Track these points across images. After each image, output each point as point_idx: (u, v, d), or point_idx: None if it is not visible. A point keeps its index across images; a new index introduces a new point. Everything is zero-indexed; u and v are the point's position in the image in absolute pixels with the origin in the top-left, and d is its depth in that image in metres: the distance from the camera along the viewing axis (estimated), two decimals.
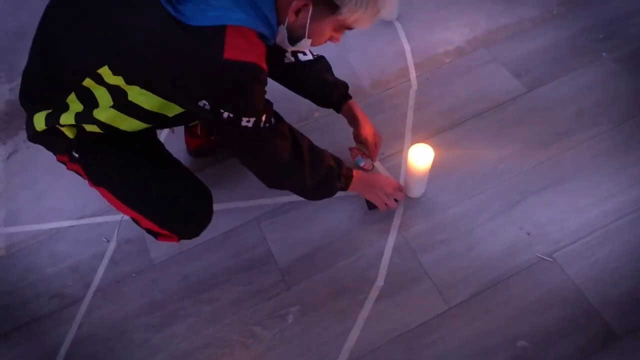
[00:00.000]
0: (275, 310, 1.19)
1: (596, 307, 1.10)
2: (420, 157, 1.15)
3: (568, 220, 1.22)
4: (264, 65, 0.85)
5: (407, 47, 1.63)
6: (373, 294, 1.18)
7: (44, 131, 0.99)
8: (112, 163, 1.06)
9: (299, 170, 1.06)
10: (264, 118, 0.92)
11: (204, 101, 0.84)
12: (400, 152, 1.39)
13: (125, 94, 0.90)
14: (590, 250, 1.17)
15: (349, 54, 1.64)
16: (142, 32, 0.78)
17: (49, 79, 0.93)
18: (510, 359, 1.06)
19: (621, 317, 1.08)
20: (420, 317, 1.14)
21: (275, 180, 1.10)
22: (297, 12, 0.84)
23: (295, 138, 1.05)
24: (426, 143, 1.17)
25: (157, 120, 0.99)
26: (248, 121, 0.89)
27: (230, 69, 0.78)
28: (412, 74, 1.56)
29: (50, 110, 0.97)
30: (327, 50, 1.62)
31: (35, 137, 1.03)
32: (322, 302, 1.19)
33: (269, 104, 0.96)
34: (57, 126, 0.97)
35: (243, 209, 1.35)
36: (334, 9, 0.84)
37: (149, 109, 0.94)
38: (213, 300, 1.22)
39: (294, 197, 1.34)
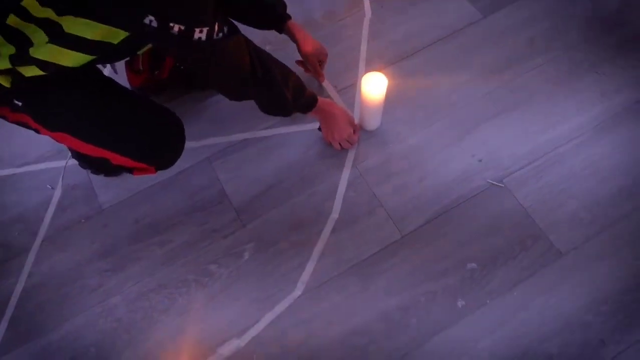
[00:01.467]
0: (230, 248, 1.18)
1: (542, 228, 1.14)
2: (373, 85, 1.12)
3: (518, 146, 1.23)
4: None
5: None
6: (328, 227, 1.18)
7: None
8: (68, 103, 0.96)
9: (259, 85, 0.99)
10: (216, 27, 0.83)
11: (149, 17, 0.75)
12: (355, 85, 1.36)
13: (59, 26, 0.81)
14: (539, 174, 1.20)
15: None
16: None
17: None
18: (460, 281, 1.10)
19: (565, 235, 1.13)
20: (374, 246, 1.15)
21: (244, 93, 1.03)
22: None
23: (254, 48, 0.99)
24: (379, 73, 1.13)
25: (103, 50, 0.89)
26: (201, 32, 0.79)
27: None
28: (366, 3, 1.49)
29: None
30: None
31: None
32: (278, 237, 1.18)
33: (220, 11, 0.86)
34: None
35: (194, 149, 1.30)
36: None
37: (92, 38, 0.85)
38: (166, 242, 1.20)
39: (246, 135, 1.31)
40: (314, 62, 1.28)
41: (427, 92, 1.32)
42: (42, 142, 1.34)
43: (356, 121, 1.29)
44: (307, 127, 1.31)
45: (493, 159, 1.22)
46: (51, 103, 0.95)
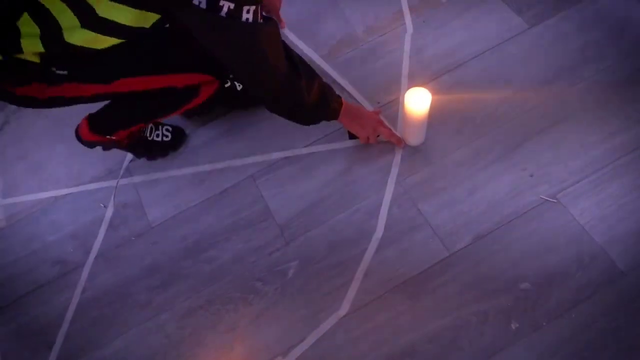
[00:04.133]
0: (275, 266, 1.18)
1: (601, 245, 1.07)
2: (417, 101, 1.10)
3: (572, 159, 1.18)
4: None
5: None
6: (373, 245, 1.16)
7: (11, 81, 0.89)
8: (117, 53, 0.92)
9: (296, 81, 0.99)
10: (260, 8, 0.84)
11: None
12: (397, 100, 1.34)
13: (92, 9, 0.82)
14: (597, 188, 1.14)
15: (340, 2, 1.56)
16: None
17: None
18: (513, 301, 1.05)
19: (627, 253, 1.06)
20: (421, 265, 1.12)
21: (275, 91, 1.00)
22: None
23: (285, 44, 0.99)
24: (423, 88, 1.11)
25: (138, 35, 0.91)
26: (248, 12, 0.81)
27: None
28: (407, 18, 1.48)
29: None
30: (318, 3, 1.57)
31: (19, 101, 0.96)
32: (322, 255, 1.18)
33: None
34: (17, 56, 0.86)
35: (238, 167, 1.33)
36: None
37: (125, 23, 0.86)
38: (213, 259, 1.22)
39: (288, 153, 1.32)
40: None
41: (472, 106, 1.29)
42: (95, 163, 1.40)
43: (398, 134, 1.28)
44: (348, 144, 1.30)
45: (545, 173, 1.17)
46: (106, 59, 0.93)
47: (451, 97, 1.31)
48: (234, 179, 1.31)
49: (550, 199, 1.14)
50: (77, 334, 1.19)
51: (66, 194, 1.39)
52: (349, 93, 1.37)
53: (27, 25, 0.84)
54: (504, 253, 1.10)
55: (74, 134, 1.23)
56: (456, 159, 1.23)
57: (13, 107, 1.59)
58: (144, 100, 1.10)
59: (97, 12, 0.83)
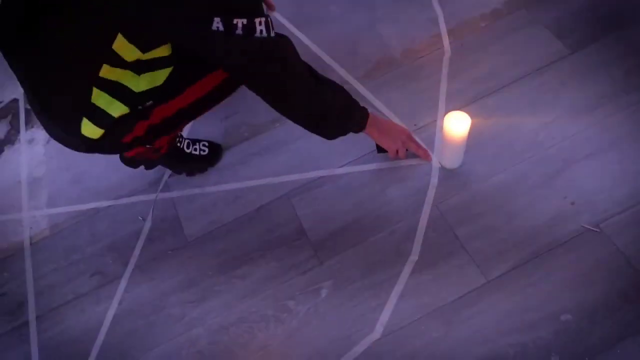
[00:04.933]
0: (308, 285, 1.18)
1: None
2: (456, 125, 1.10)
3: (616, 188, 1.15)
4: None
5: (439, 13, 1.55)
6: (408, 268, 1.15)
7: (103, 135, 0.98)
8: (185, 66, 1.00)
9: (317, 88, 1.03)
10: (270, 21, 0.89)
11: (216, 20, 0.82)
12: (434, 122, 1.34)
13: (141, 63, 0.91)
14: None
15: (378, 24, 1.58)
16: None
17: (68, 90, 0.94)
18: (553, 334, 1.02)
19: None
20: (457, 291, 1.10)
21: (297, 102, 1.03)
22: None
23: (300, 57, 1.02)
24: (461, 111, 1.11)
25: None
26: (260, 24, 0.86)
27: None
28: (445, 41, 1.48)
29: (84, 118, 0.96)
30: (355, 20, 1.59)
31: (94, 146, 1.03)
32: (356, 276, 1.17)
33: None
34: (114, 121, 0.97)
35: (274, 184, 1.34)
36: None
37: (167, 55, 0.94)
38: (247, 276, 1.23)
39: (323, 172, 1.33)
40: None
41: (511, 131, 1.28)
42: (136, 177, 1.44)
43: (434, 158, 1.27)
44: (384, 165, 1.30)
45: (588, 201, 1.14)
46: (176, 77, 1.00)
47: (490, 121, 1.30)
48: (269, 196, 1.33)
49: (593, 229, 1.11)
50: (112, 346, 1.21)
51: (107, 206, 1.43)
52: (385, 115, 1.38)
53: (100, 97, 0.93)
54: (543, 283, 1.07)
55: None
56: (494, 183, 1.22)
57: None
58: (185, 111, 1.11)
59: (143, 59, 0.91)
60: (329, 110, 1.07)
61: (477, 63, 1.42)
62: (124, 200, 1.42)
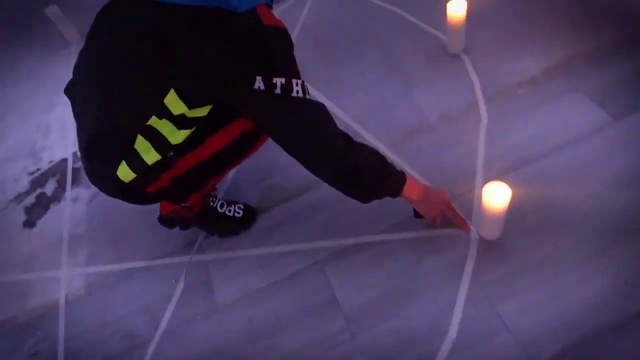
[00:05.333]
0: None
1: None
2: (495, 196, 1.07)
3: None
4: None
5: (475, 80, 1.56)
6: (446, 347, 1.08)
7: (134, 179, 1.06)
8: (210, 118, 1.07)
9: (351, 148, 1.06)
10: (306, 85, 0.97)
11: (258, 79, 0.91)
12: (472, 191, 1.31)
13: (182, 115, 0.99)
14: None
15: (414, 90, 1.60)
16: (202, 39, 0.91)
17: (114, 132, 1.03)
18: None
19: None
20: None
21: (331, 161, 1.04)
22: None
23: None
24: (500, 181, 1.08)
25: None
26: (297, 84, 0.94)
27: (274, 32, 0.93)
28: (482, 108, 1.48)
29: (123, 161, 1.04)
30: (391, 85, 1.62)
31: (122, 190, 1.11)
32: (390, 354, 1.11)
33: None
34: (147, 169, 1.05)
35: (307, 251, 1.32)
36: None
37: (205, 115, 1.03)
38: (276, 347, 1.19)
39: (358, 239, 1.30)
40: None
41: (554, 201, 1.23)
42: (171, 239, 1.46)
43: (473, 228, 1.23)
44: (420, 233, 1.27)
45: None
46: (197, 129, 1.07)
47: (530, 191, 1.25)
48: (302, 263, 1.31)
49: None
50: None
51: (141, 267, 1.44)
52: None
53: (141, 144, 1.02)
54: None
55: (153, 210, 1.32)
56: (537, 257, 1.15)
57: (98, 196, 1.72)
58: (206, 164, 1.16)
59: (187, 115, 0.99)
60: (362, 171, 1.07)
61: (515, 131, 1.39)
62: (159, 262, 1.43)
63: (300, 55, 1.03)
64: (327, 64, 1.79)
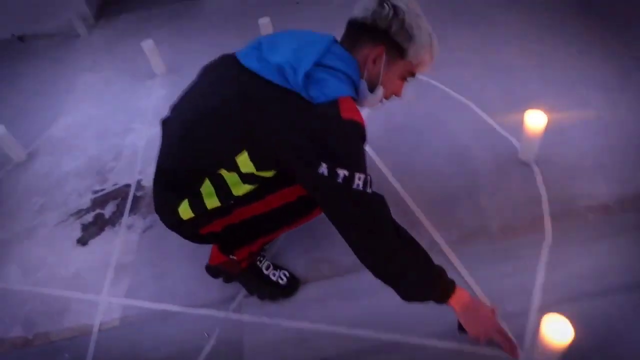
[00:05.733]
0: None
1: None
2: (555, 331, 1.02)
3: None
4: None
5: (543, 194, 1.54)
6: None
7: (191, 218, 1.13)
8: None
9: (400, 247, 1.06)
10: (369, 179, 1.00)
11: (324, 165, 0.96)
12: (526, 314, 1.25)
13: (250, 175, 1.06)
14: None
15: (479, 190, 1.59)
16: (281, 115, 0.97)
17: (185, 171, 1.11)
18: None
19: None
20: None
21: (376, 257, 1.06)
22: (374, 61, 1.07)
23: (394, 219, 1.07)
24: (558, 309, 1.05)
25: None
26: (359, 179, 0.97)
27: (348, 125, 0.98)
28: (547, 226, 1.44)
29: (187, 199, 1.11)
30: (457, 180, 1.61)
31: (178, 225, 1.18)
32: None
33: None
34: (205, 212, 1.12)
35: (344, 335, 1.29)
36: (402, 53, 1.06)
37: (270, 176, 1.10)
38: None
39: (400, 337, 1.26)
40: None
41: (624, 345, 1.15)
42: (212, 289, 1.47)
43: (523, 356, 1.16)
44: (464, 347, 1.21)
45: None
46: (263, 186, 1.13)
47: (591, 329, 1.18)
48: (337, 348, 1.27)
49: None
50: None
51: (177, 312, 1.45)
52: (471, 289, 1.32)
53: (207, 188, 1.09)
54: None
55: (201, 254, 1.37)
56: None
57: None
58: (259, 220, 1.20)
59: (255, 174, 1.07)
60: (407, 271, 1.07)
61: (580, 257, 1.34)
62: (196, 311, 1.44)
63: (370, 134, 1.08)
64: (398, 148, 1.82)
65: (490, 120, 1.85)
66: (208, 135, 1.07)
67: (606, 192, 1.50)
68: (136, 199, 1.87)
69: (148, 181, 1.93)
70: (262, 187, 1.13)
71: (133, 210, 1.83)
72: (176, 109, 1.21)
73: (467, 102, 1.96)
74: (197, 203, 1.12)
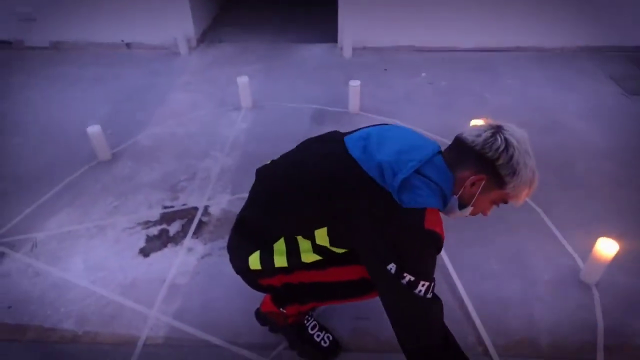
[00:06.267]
0: None
1: None
2: None
3: None
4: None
5: (600, 323, 1.51)
6: None
7: (257, 269, 1.20)
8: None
9: (441, 354, 1.11)
10: (433, 285, 1.05)
11: (392, 264, 1.02)
12: None
13: (322, 247, 1.15)
14: None
15: (535, 302, 1.58)
16: (369, 209, 1.04)
17: (266, 228, 1.19)
18: None
19: None
20: None
21: (420, 355, 1.11)
22: (472, 184, 1.07)
23: (447, 329, 1.14)
24: None
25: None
26: (423, 285, 1.03)
27: (428, 235, 1.02)
28: (600, 357, 1.41)
29: (259, 251, 1.19)
30: (512, 285, 1.61)
31: (244, 271, 1.26)
32: None
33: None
34: (272, 268, 1.20)
35: None
36: (502, 185, 1.06)
37: (339, 253, 1.17)
38: None
39: None
40: None
41: None
42: (256, 333, 1.52)
43: None
44: None
45: None
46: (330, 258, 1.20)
47: None
48: None
49: None
50: None
51: (219, 345, 1.50)
52: None
53: (280, 246, 1.18)
54: None
55: (253, 295, 1.41)
56: None
57: (221, 243, 1.87)
58: (317, 287, 1.26)
59: (327, 248, 1.15)
60: None
61: None
62: (236, 350, 1.49)
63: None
64: (463, 242, 1.85)
65: (559, 235, 1.86)
66: (297, 203, 1.14)
67: None
68: (201, 224, 1.98)
69: (215, 209, 2.05)
70: (328, 259, 1.19)
71: (196, 233, 1.93)
72: (275, 164, 1.28)
73: (538, 210, 1.98)
74: (266, 258, 1.19)
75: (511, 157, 1.03)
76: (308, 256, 1.17)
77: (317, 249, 1.15)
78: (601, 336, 1.47)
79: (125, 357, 1.49)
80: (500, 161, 1.03)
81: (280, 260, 1.18)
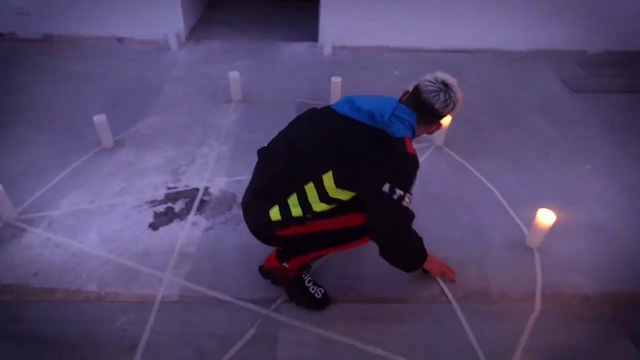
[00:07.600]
0: None
1: None
2: None
3: None
4: None
5: (539, 277, 1.87)
6: None
7: (277, 220, 1.50)
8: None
9: (413, 237, 1.60)
10: (411, 199, 1.43)
11: (387, 185, 1.37)
12: None
13: (327, 194, 1.46)
14: None
15: (487, 262, 1.92)
16: (367, 143, 1.42)
17: (280, 184, 1.51)
18: None
19: None
20: None
21: (398, 246, 1.56)
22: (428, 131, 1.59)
23: None
24: None
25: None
26: (408, 198, 1.40)
27: (411, 158, 1.43)
28: (537, 302, 1.77)
29: (277, 205, 1.49)
30: (465, 247, 1.95)
31: (264, 224, 1.54)
32: None
33: None
34: (290, 217, 1.50)
35: (370, 354, 1.60)
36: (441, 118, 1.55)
37: (344, 199, 1.49)
38: None
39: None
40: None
41: None
42: (260, 289, 1.79)
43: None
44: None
45: None
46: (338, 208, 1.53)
47: None
48: (352, 358, 1.58)
49: None
50: None
51: (228, 301, 1.77)
52: (466, 334, 1.63)
53: (293, 200, 1.48)
54: None
55: (252, 259, 1.75)
56: None
57: (222, 218, 2.13)
58: (323, 234, 1.57)
59: (330, 195, 1.47)
60: (412, 248, 1.62)
61: (558, 334, 1.66)
62: (243, 304, 1.76)
63: None
64: (426, 211, 2.17)
65: (508, 208, 2.21)
66: (308, 153, 1.48)
67: (590, 288, 1.82)
68: (202, 202, 2.23)
69: (215, 189, 2.31)
70: (337, 209, 1.52)
71: (199, 210, 2.19)
72: (276, 141, 1.62)
73: (493, 190, 2.33)
74: (284, 209, 1.49)
75: (454, 109, 1.49)
76: (317, 206, 1.48)
77: (324, 197, 1.46)
78: (539, 287, 1.82)
79: (145, 312, 1.73)
80: (446, 111, 1.49)
81: (295, 211, 1.49)
